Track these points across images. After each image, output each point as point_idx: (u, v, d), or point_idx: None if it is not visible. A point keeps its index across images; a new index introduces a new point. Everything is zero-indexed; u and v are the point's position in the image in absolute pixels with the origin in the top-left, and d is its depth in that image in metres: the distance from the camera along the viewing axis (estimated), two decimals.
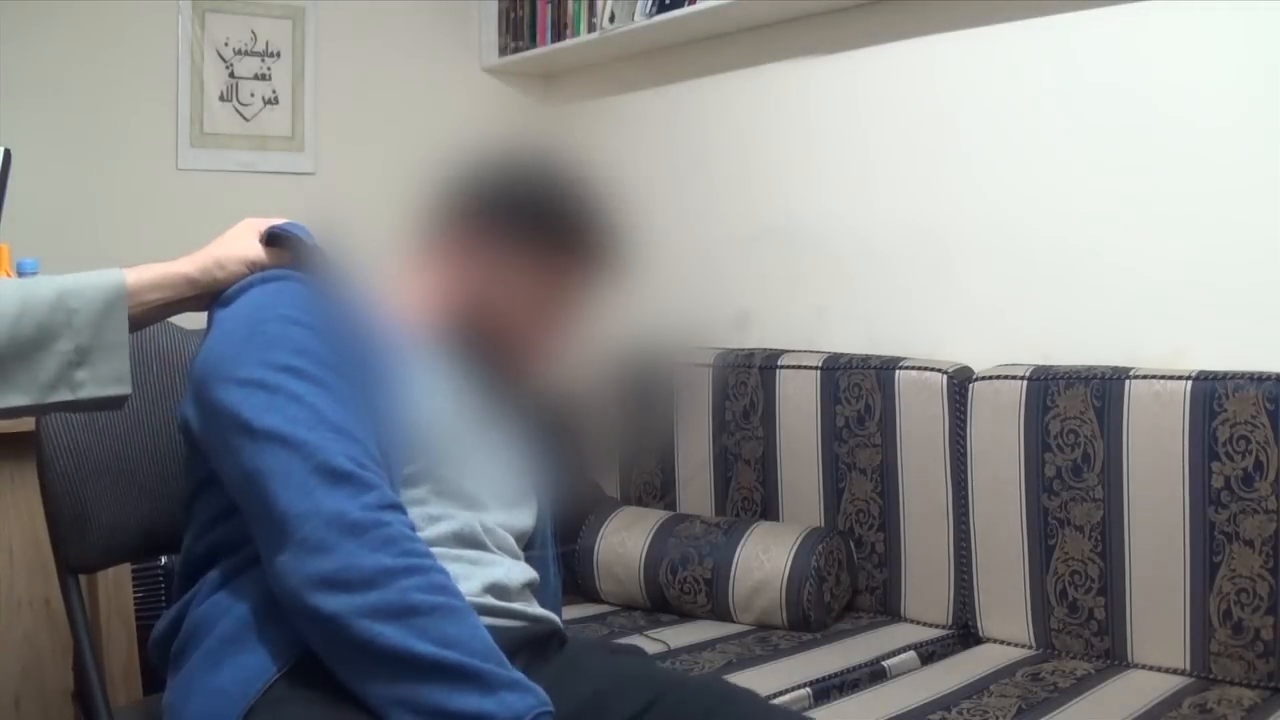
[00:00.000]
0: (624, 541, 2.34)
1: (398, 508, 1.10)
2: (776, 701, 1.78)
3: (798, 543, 2.18)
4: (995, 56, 2.25)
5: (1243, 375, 1.80)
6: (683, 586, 2.25)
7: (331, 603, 1.03)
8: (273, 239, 1.26)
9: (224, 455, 1.13)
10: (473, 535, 1.24)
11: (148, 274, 1.20)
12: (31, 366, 1.12)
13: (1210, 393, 1.81)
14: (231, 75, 2.75)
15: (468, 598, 1.12)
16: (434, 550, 1.14)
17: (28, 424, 1.43)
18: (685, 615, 2.26)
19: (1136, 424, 1.88)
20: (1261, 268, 1.91)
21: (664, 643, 2.07)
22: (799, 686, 1.84)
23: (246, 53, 2.76)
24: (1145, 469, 1.87)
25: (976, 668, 1.92)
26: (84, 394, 1.15)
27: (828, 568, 2.17)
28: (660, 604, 2.29)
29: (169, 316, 1.27)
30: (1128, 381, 1.90)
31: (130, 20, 2.61)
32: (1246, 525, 1.77)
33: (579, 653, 1.32)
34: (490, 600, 1.20)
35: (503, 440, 1.34)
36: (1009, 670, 1.90)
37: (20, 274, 2.16)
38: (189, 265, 1.22)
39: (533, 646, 1.23)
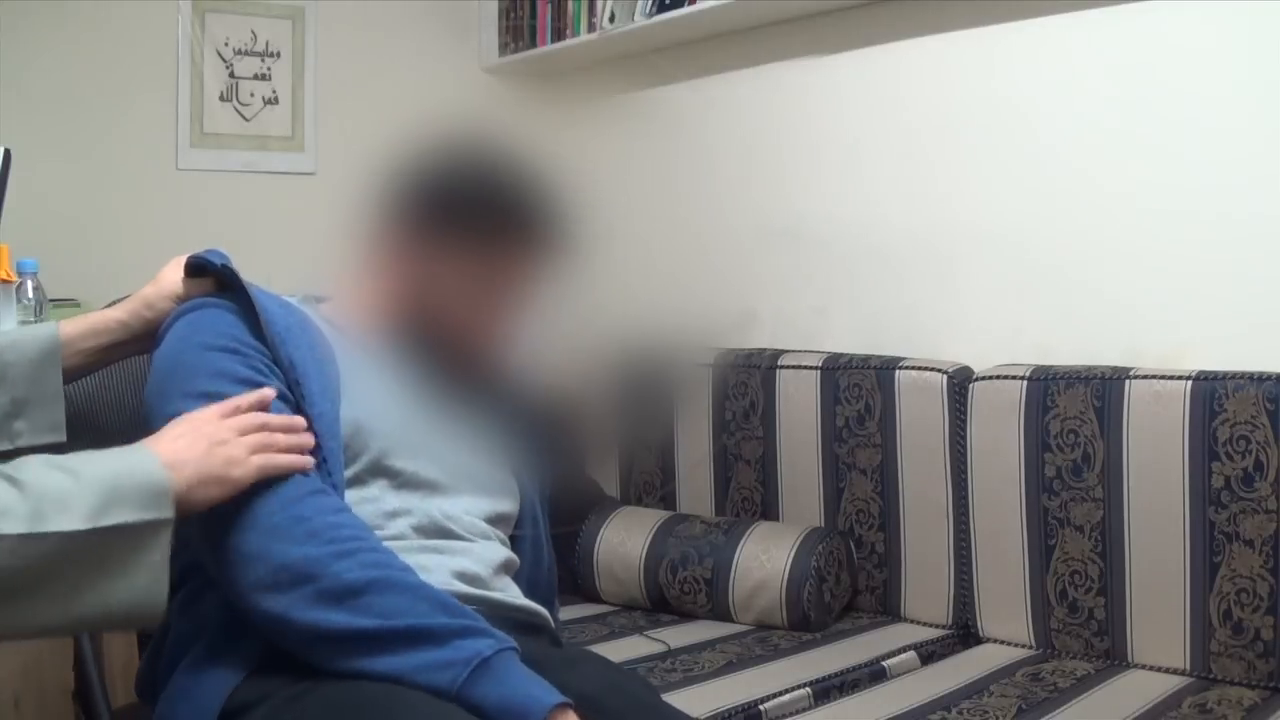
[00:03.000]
0: (624, 541, 2.34)
1: (319, 492, 1.13)
2: (776, 701, 1.79)
3: (798, 543, 2.18)
4: (996, 57, 2.25)
5: (1243, 375, 1.80)
6: (683, 586, 2.25)
7: (276, 603, 1.07)
8: (192, 269, 1.29)
9: None
10: (435, 525, 1.25)
11: (82, 323, 1.27)
12: None
13: (1210, 393, 1.81)
14: (231, 75, 2.75)
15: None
16: (398, 545, 1.17)
17: None
18: (685, 615, 2.25)
19: (1136, 424, 1.88)
20: (1262, 268, 1.91)
21: (664, 643, 2.07)
22: (799, 686, 1.84)
23: (246, 53, 2.76)
24: (1145, 469, 1.87)
25: (976, 668, 1.92)
26: (22, 443, 1.21)
27: (828, 568, 2.17)
28: (660, 604, 2.29)
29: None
30: (1128, 381, 1.90)
31: (130, 20, 2.61)
32: (1246, 525, 1.77)
33: (578, 657, 1.31)
34: (461, 587, 1.21)
35: (471, 427, 1.35)
36: (1009, 670, 1.90)
37: (20, 274, 2.16)
38: (120, 310, 1.29)
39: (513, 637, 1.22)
